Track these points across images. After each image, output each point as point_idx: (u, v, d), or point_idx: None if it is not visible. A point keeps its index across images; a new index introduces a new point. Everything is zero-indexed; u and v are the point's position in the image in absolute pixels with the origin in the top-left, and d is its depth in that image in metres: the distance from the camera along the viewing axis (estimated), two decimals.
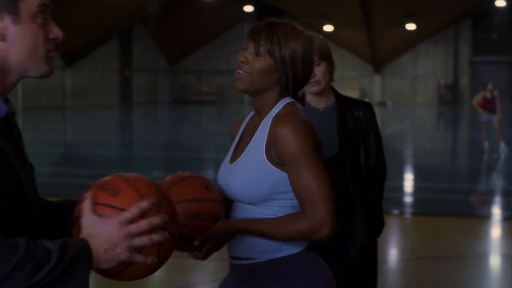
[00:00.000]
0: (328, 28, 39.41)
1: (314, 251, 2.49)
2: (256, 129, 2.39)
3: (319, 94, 3.53)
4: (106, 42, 38.29)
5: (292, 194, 2.32)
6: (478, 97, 17.58)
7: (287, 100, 2.42)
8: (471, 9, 39.07)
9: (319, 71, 3.43)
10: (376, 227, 3.58)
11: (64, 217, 1.84)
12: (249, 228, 2.30)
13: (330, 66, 3.49)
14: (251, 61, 2.35)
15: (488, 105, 17.17)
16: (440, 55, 42.12)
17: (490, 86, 17.36)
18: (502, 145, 16.63)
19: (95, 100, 38.16)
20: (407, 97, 41.40)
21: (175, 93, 44.19)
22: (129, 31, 40.81)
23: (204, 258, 2.32)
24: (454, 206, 10.17)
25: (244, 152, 2.38)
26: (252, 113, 2.57)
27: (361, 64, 42.08)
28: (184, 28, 39.66)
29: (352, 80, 41.44)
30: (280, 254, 2.36)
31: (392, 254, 7.05)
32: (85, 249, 1.60)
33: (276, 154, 2.29)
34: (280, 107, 2.39)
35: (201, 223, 2.30)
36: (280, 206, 2.34)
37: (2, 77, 1.73)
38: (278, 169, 2.30)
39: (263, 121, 2.38)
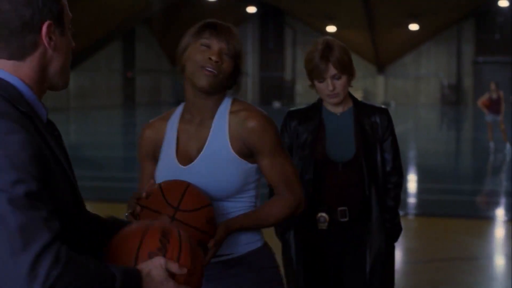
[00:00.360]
0: (331, 28, 39.37)
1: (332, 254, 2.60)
2: (205, 127, 2.47)
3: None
4: (109, 43, 38.31)
5: (256, 184, 2.51)
6: (484, 98, 17.51)
7: (229, 97, 2.53)
8: (474, 9, 39.03)
9: (339, 84, 3.38)
10: (393, 233, 3.55)
11: (105, 233, 1.93)
12: (243, 225, 2.43)
13: (351, 76, 3.44)
14: (222, 62, 2.43)
15: (494, 106, 17.10)
16: (443, 56, 42.08)
17: (494, 87, 17.28)
18: (508, 146, 16.56)
19: (98, 101, 38.17)
20: (410, 98, 41.35)
21: (178, 94, 44.17)
22: (132, 33, 40.83)
23: (208, 262, 2.35)
24: (460, 207, 10.11)
25: (204, 151, 2.44)
26: (164, 115, 2.63)
27: (364, 64, 42.02)
28: (187, 29, 39.39)
29: (355, 81, 40.94)
30: (254, 246, 2.52)
31: (397, 256, 7.00)
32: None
33: (247, 147, 2.43)
34: (229, 104, 2.49)
35: (212, 227, 2.33)
36: (249, 196, 2.50)
37: (40, 84, 1.78)
38: (246, 161, 2.44)
39: (215, 119, 2.46)
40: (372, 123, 3.46)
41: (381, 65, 42.32)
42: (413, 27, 38.87)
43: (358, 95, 39.73)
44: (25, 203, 1.53)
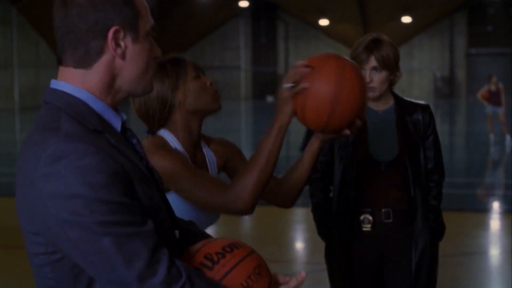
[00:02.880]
0: (324, 22, 39.31)
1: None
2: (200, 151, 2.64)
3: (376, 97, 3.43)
4: None
5: None
6: (483, 90, 17.53)
7: None
8: (466, 1, 39.06)
9: (377, 77, 3.31)
10: (437, 232, 3.49)
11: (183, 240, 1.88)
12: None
13: (393, 75, 3.37)
14: None
15: (493, 98, 17.13)
16: (436, 48, 42.10)
17: (494, 79, 17.32)
18: (508, 138, 16.56)
19: None
20: (404, 91, 41.32)
21: None
22: None
23: None
24: (466, 201, 10.07)
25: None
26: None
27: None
28: (180, 24, 39.50)
29: None
30: None
31: None
32: None
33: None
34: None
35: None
36: None
37: (112, 94, 1.70)
38: None
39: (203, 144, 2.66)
40: (415, 121, 3.40)
41: None
42: (406, 19, 38.85)
43: None
44: (116, 225, 1.51)
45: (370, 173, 3.35)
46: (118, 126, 1.70)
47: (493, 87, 17.22)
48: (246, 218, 9.24)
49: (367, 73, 3.30)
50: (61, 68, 1.68)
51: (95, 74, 1.65)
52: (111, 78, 1.67)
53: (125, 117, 1.73)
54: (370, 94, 3.33)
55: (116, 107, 1.72)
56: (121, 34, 1.65)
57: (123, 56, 1.66)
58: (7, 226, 7.11)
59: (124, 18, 1.64)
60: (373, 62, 3.30)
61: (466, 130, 23.27)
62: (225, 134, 20.90)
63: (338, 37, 40.75)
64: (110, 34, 1.63)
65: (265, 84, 42.08)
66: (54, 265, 1.60)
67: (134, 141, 1.75)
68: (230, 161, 2.67)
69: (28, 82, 33.31)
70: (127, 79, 1.69)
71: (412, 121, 3.39)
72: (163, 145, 2.47)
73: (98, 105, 1.66)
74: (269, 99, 40.27)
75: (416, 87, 42.03)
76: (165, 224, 1.69)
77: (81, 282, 1.60)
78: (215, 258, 1.70)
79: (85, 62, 1.64)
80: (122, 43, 1.65)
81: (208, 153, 2.63)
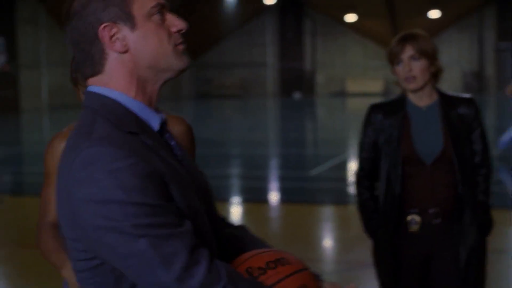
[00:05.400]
0: (351, 18, 39.08)
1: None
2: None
3: (419, 91, 3.34)
4: None
5: None
6: (511, 85, 17.30)
7: None
8: None
9: (416, 66, 3.25)
10: (485, 227, 3.40)
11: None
12: None
13: (432, 65, 3.30)
14: None
15: None
16: (465, 43, 41.68)
17: None
18: None
19: None
20: None
21: (199, 88, 44.11)
22: None
23: None
24: (496, 198, 9.94)
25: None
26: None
27: (384, 54, 41.63)
28: (206, 21, 39.53)
29: (376, 71, 41.08)
30: None
31: None
32: None
33: None
34: None
35: None
36: None
37: (141, 88, 1.64)
38: None
39: None
40: (460, 115, 3.32)
41: None
42: (434, 14, 38.50)
43: (379, 85, 39.53)
44: (152, 227, 1.47)
45: (416, 171, 3.27)
46: (155, 125, 1.65)
47: None
48: (274, 216, 9.20)
49: (405, 62, 3.24)
50: (88, 81, 1.67)
51: (113, 76, 1.63)
52: (130, 73, 1.63)
53: (164, 117, 1.68)
54: (412, 85, 3.26)
55: (154, 104, 1.68)
56: (114, 29, 1.61)
57: (126, 48, 1.62)
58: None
59: (110, 12, 1.61)
60: (409, 51, 3.25)
61: (496, 125, 23.00)
62: (252, 131, 20.89)
63: (365, 33, 40.50)
64: (100, 33, 1.60)
65: (292, 80, 41.95)
66: (94, 270, 1.58)
67: (173, 143, 1.70)
68: None
69: (56, 81, 33.52)
70: (147, 67, 1.63)
71: (457, 115, 3.31)
72: None
73: (133, 105, 1.63)
74: (296, 95, 40.14)
75: (445, 82, 41.63)
76: (203, 228, 1.64)
77: (123, 287, 1.58)
78: (256, 274, 1.63)
79: (97, 68, 1.63)
80: (119, 36, 1.61)
81: None
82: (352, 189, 11.04)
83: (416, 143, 3.28)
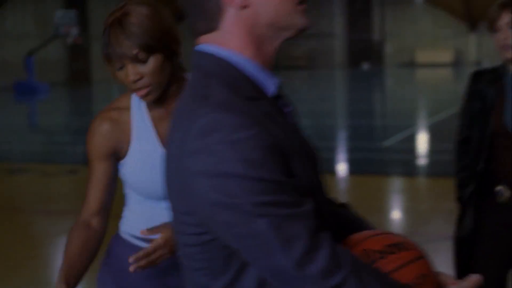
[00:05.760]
0: None
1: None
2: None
3: None
4: None
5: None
6: None
7: None
8: None
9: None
10: None
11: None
12: None
13: None
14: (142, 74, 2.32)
15: None
16: None
17: None
18: None
19: None
20: None
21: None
22: None
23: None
24: None
25: None
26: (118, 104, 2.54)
27: (454, 23, 40.79)
28: None
29: (446, 40, 40.27)
30: None
31: None
32: None
33: None
34: None
35: None
36: None
37: (258, 48, 1.50)
38: None
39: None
40: None
41: (473, 22, 40.98)
42: None
43: (449, 55, 38.75)
44: (273, 206, 1.34)
45: (507, 143, 3.15)
46: (271, 90, 1.50)
47: None
48: (346, 187, 9.18)
49: (503, 29, 3.07)
50: (199, 39, 1.54)
51: (229, 33, 1.48)
52: (248, 31, 1.48)
53: (279, 81, 1.52)
54: (508, 54, 3.09)
55: (270, 67, 1.52)
56: None
57: (246, 3, 1.46)
58: None
59: None
60: (507, 17, 3.06)
61: None
62: (321, 102, 20.74)
63: (435, 2, 39.65)
64: None
65: (360, 51, 41.49)
66: (203, 246, 1.46)
67: (287, 110, 1.54)
68: None
69: None
70: (267, 24, 1.48)
71: None
72: None
73: (250, 66, 1.48)
74: (365, 66, 39.72)
75: None
76: (323, 207, 1.50)
77: (232, 265, 1.45)
78: (373, 258, 1.48)
79: (212, 24, 1.49)
80: None
81: None
82: (423, 161, 10.92)
83: (508, 115, 3.16)
